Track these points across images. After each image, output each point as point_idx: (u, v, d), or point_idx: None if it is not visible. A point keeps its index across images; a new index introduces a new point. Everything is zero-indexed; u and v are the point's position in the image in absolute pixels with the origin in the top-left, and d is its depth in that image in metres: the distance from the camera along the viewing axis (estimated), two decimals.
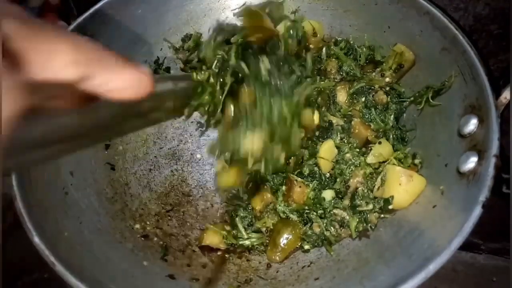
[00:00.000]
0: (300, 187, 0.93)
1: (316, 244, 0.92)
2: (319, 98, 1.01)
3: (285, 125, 0.72)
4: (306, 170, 0.96)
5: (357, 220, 0.90)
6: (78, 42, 0.35)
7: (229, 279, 0.91)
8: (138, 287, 0.84)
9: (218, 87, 0.69)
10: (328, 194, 0.94)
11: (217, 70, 0.71)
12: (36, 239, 0.76)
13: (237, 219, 0.98)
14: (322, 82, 1.02)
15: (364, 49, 1.06)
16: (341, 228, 0.92)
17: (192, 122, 1.19)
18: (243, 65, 0.71)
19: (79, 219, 0.90)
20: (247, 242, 0.96)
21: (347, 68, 1.05)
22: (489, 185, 0.70)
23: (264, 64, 0.72)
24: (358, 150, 0.97)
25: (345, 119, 1.01)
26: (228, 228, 1.00)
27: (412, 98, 0.99)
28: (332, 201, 0.93)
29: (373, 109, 0.99)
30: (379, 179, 0.91)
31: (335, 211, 0.93)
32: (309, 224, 0.94)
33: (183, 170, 1.14)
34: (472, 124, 0.79)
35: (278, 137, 0.71)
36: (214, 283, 0.90)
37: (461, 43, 0.85)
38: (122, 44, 1.11)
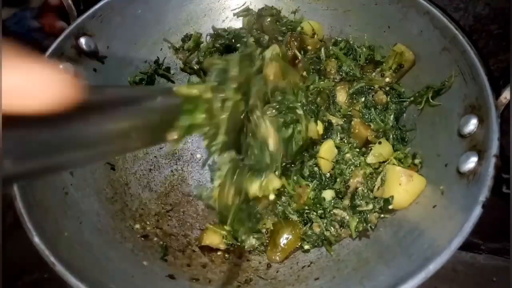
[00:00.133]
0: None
1: (316, 244, 0.92)
2: (319, 98, 1.01)
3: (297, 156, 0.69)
4: (306, 171, 0.96)
5: (357, 220, 0.90)
6: None
7: (229, 279, 0.91)
8: (138, 287, 0.84)
9: (218, 104, 0.57)
10: (328, 194, 0.94)
11: (216, 83, 0.60)
12: (36, 239, 0.76)
13: None
14: (321, 82, 1.02)
15: (364, 49, 1.07)
16: (341, 228, 0.92)
17: None
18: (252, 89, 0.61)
19: (79, 219, 0.89)
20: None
21: (347, 68, 1.05)
22: (489, 185, 0.70)
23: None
24: (358, 150, 0.97)
25: (345, 119, 1.01)
26: (228, 228, 0.99)
27: (412, 98, 0.99)
28: (332, 201, 0.93)
29: (373, 109, 0.99)
30: (379, 179, 0.91)
31: (335, 211, 0.93)
32: (309, 224, 0.94)
33: (183, 170, 1.14)
34: (472, 124, 0.79)
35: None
36: (214, 283, 0.90)
37: (461, 43, 0.85)
38: (122, 44, 1.11)
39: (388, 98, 1.00)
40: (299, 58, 1.09)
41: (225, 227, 0.96)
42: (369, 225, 0.90)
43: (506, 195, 0.76)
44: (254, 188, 0.84)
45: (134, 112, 0.45)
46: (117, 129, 0.42)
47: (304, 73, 1.05)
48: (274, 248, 0.93)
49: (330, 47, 1.09)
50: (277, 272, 0.91)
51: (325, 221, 0.92)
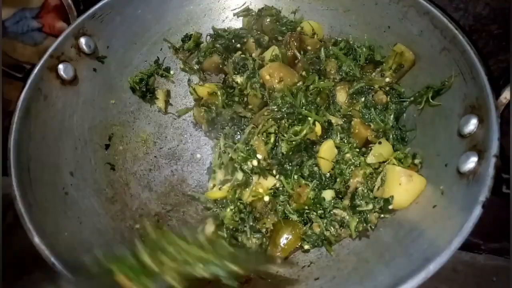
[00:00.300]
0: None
1: (316, 244, 0.92)
2: (318, 98, 1.01)
3: None
4: (306, 171, 0.96)
5: (357, 220, 0.90)
6: None
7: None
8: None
9: None
10: (328, 194, 0.94)
11: None
12: (36, 239, 0.76)
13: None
14: (321, 82, 1.02)
15: (364, 49, 1.06)
16: (341, 228, 0.92)
17: (192, 122, 1.19)
18: None
19: (79, 219, 0.89)
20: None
21: (347, 68, 1.05)
22: (489, 185, 0.70)
23: None
24: (358, 150, 0.96)
25: (345, 119, 1.01)
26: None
27: (412, 98, 0.99)
28: (332, 201, 0.93)
29: (373, 109, 0.99)
30: (379, 179, 0.91)
31: (335, 211, 0.92)
32: (309, 224, 0.94)
33: (183, 170, 1.14)
34: (472, 124, 0.79)
35: None
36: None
37: (461, 43, 0.85)
38: (122, 44, 1.11)
39: (388, 98, 1.00)
40: (299, 58, 1.09)
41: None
42: (369, 225, 0.90)
43: (506, 195, 0.76)
44: (245, 195, 0.93)
45: None
46: None
47: (304, 73, 1.05)
48: (274, 248, 0.93)
49: (330, 47, 1.09)
50: (277, 272, 0.91)
51: (325, 221, 0.92)
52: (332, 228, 0.92)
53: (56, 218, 0.85)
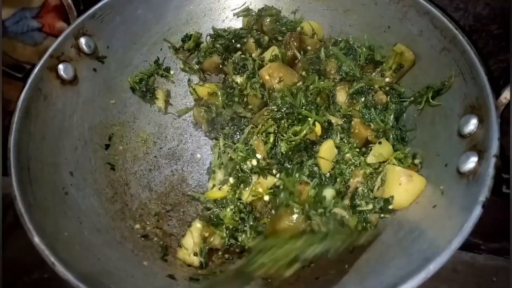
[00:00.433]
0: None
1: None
2: (318, 99, 1.01)
3: None
4: (306, 171, 0.96)
5: (357, 220, 0.90)
6: None
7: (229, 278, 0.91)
8: (138, 287, 0.84)
9: None
10: (328, 193, 0.93)
11: None
12: (36, 239, 0.76)
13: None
14: (321, 82, 1.02)
15: (364, 49, 1.06)
16: (341, 228, 0.92)
17: (192, 122, 1.19)
18: None
19: (79, 219, 0.89)
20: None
21: (347, 68, 1.05)
22: (489, 185, 0.70)
23: None
24: (358, 150, 0.96)
25: (345, 119, 1.01)
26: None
27: (412, 98, 0.99)
28: (333, 200, 0.93)
29: (373, 109, 0.99)
30: (379, 179, 0.91)
31: (335, 210, 0.92)
32: (308, 222, 0.93)
33: (183, 170, 1.14)
34: (472, 124, 0.79)
35: None
36: (214, 283, 0.90)
37: (461, 43, 0.85)
38: (122, 44, 1.11)
39: (388, 98, 1.00)
40: (299, 58, 1.09)
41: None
42: (369, 225, 0.90)
43: (506, 195, 0.76)
44: (245, 195, 0.94)
45: None
46: None
47: (304, 73, 1.05)
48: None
49: (330, 47, 1.09)
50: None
51: (325, 219, 0.92)
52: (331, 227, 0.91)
53: (56, 218, 0.85)
